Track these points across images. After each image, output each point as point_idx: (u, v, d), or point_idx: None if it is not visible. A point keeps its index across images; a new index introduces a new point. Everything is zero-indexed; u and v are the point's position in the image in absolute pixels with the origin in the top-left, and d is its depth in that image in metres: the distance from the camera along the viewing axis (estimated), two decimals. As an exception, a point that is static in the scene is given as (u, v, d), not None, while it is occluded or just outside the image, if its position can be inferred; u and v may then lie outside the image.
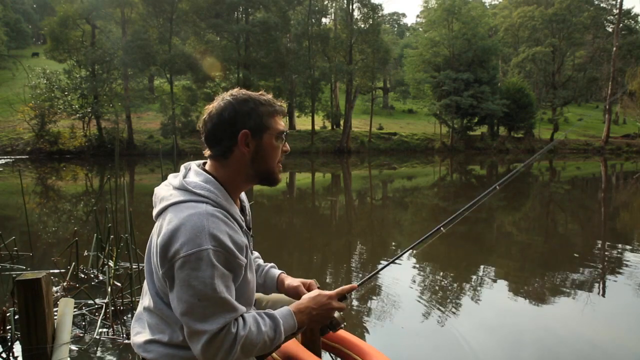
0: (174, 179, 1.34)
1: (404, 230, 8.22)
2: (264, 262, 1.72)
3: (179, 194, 1.26)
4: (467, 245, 6.71)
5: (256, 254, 1.68)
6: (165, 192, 1.32)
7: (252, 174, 1.35)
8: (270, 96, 1.37)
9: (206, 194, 1.25)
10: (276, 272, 1.66)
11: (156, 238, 1.25)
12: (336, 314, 1.47)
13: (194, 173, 1.33)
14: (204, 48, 29.25)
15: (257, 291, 1.61)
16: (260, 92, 1.37)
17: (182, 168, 1.38)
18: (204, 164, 1.39)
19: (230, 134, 1.30)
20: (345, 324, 1.53)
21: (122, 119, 27.53)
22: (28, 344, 2.65)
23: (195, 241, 1.15)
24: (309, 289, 1.57)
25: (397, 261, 6.07)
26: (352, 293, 1.56)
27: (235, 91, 1.35)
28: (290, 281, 1.60)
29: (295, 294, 1.55)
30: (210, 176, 1.31)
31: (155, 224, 1.31)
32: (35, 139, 25.85)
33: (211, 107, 1.34)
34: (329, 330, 1.50)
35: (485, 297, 4.41)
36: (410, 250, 6.45)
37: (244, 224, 1.34)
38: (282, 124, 1.38)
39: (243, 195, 1.49)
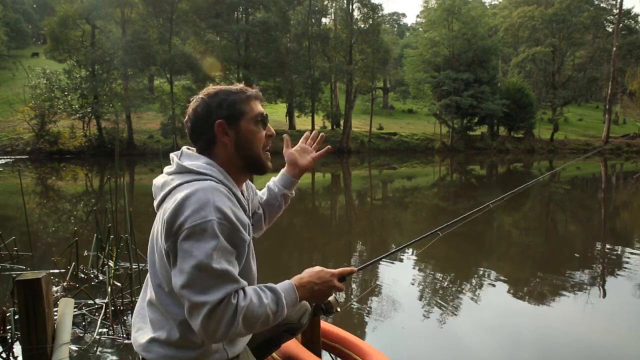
0: (169, 168, 1.36)
1: (404, 230, 8.22)
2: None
3: (180, 177, 1.28)
4: (467, 245, 6.71)
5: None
6: (165, 178, 1.33)
7: (241, 163, 1.36)
8: (242, 85, 1.39)
9: (209, 172, 1.27)
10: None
11: (160, 223, 1.24)
12: (331, 298, 1.46)
13: (186, 156, 1.35)
14: (204, 48, 29.25)
15: (275, 200, 1.69)
16: (232, 84, 1.40)
17: (173, 156, 1.38)
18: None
19: (207, 127, 1.32)
20: (339, 309, 1.52)
21: (122, 119, 27.52)
22: (28, 344, 2.65)
23: (201, 213, 1.16)
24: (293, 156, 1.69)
25: (397, 261, 6.06)
26: (352, 277, 1.57)
27: (208, 87, 1.39)
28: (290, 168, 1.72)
29: (296, 164, 1.69)
30: (211, 160, 1.33)
31: (158, 213, 1.30)
32: (35, 139, 25.84)
33: (189, 107, 1.38)
34: (322, 312, 1.49)
35: (485, 297, 4.41)
36: (411, 250, 6.47)
37: (247, 207, 1.36)
38: (259, 107, 1.38)
39: (245, 190, 1.49)
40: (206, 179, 1.25)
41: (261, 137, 1.37)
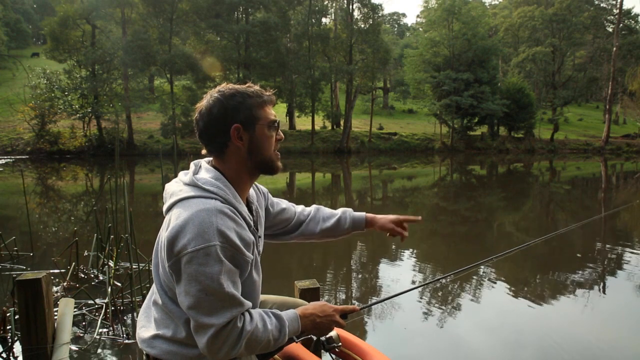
0: (184, 175, 1.36)
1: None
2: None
3: (189, 190, 1.28)
4: (467, 245, 6.71)
5: (314, 206, 1.77)
6: (175, 187, 1.33)
7: (252, 165, 1.36)
8: (257, 87, 1.37)
9: (215, 190, 1.26)
10: (362, 214, 1.77)
11: (165, 232, 1.26)
12: (333, 333, 1.48)
13: (204, 170, 1.35)
14: (204, 48, 29.25)
15: (339, 233, 1.74)
16: (247, 85, 1.37)
17: (192, 165, 1.39)
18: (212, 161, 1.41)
19: (223, 130, 1.31)
20: (340, 344, 1.54)
21: (122, 119, 27.50)
22: (28, 344, 2.65)
23: (204, 237, 1.17)
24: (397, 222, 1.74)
25: (397, 262, 6.05)
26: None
27: (223, 87, 1.36)
28: (383, 216, 1.76)
29: (396, 222, 1.74)
30: (219, 173, 1.32)
31: (165, 219, 1.32)
32: (35, 139, 25.83)
33: (201, 105, 1.35)
34: (323, 348, 1.51)
35: (485, 298, 4.42)
36: (411, 250, 6.42)
37: (252, 222, 1.35)
38: (272, 113, 1.39)
39: (253, 195, 1.49)
40: (211, 198, 1.24)
41: (272, 141, 1.38)
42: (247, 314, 1.26)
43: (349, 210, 1.77)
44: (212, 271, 1.17)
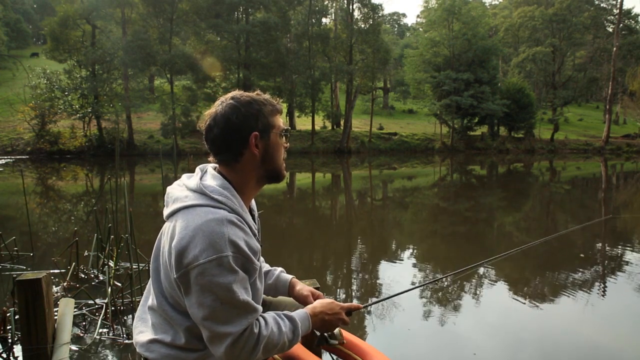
0: (188, 180, 1.32)
1: (404, 230, 8.22)
2: (271, 266, 1.73)
3: (195, 197, 1.25)
4: (467, 245, 6.71)
5: (261, 258, 1.70)
6: (179, 192, 1.30)
7: (263, 174, 1.36)
8: (267, 95, 1.38)
9: (223, 200, 1.24)
10: (287, 276, 1.68)
11: (168, 239, 1.23)
12: (337, 330, 1.50)
13: (211, 176, 1.32)
14: (204, 48, 29.25)
15: (267, 294, 1.65)
16: (256, 92, 1.37)
17: (198, 170, 1.37)
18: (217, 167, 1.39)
19: (241, 138, 1.30)
20: (344, 341, 1.55)
21: (122, 119, 27.49)
22: (28, 344, 2.65)
23: (216, 247, 1.15)
24: (316, 299, 1.60)
25: (397, 262, 6.05)
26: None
27: (237, 94, 1.34)
28: (301, 288, 1.62)
29: (303, 302, 1.57)
30: (226, 181, 1.30)
31: (167, 224, 1.29)
32: (35, 139, 25.83)
33: (213, 111, 1.32)
34: (326, 342, 1.52)
35: (485, 298, 4.41)
36: (411, 251, 6.42)
37: (256, 231, 1.36)
38: (282, 121, 1.41)
39: (253, 204, 1.49)
40: (220, 207, 1.23)
41: (282, 149, 1.39)
42: (261, 319, 1.27)
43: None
44: (226, 281, 1.16)
